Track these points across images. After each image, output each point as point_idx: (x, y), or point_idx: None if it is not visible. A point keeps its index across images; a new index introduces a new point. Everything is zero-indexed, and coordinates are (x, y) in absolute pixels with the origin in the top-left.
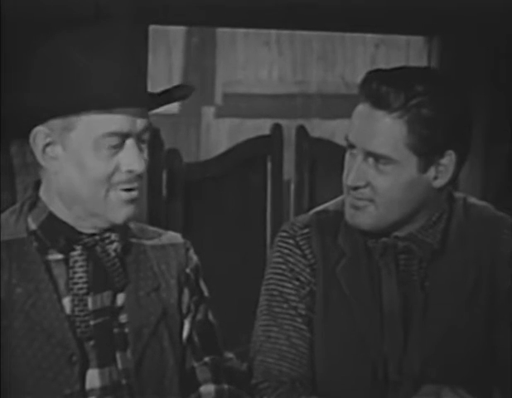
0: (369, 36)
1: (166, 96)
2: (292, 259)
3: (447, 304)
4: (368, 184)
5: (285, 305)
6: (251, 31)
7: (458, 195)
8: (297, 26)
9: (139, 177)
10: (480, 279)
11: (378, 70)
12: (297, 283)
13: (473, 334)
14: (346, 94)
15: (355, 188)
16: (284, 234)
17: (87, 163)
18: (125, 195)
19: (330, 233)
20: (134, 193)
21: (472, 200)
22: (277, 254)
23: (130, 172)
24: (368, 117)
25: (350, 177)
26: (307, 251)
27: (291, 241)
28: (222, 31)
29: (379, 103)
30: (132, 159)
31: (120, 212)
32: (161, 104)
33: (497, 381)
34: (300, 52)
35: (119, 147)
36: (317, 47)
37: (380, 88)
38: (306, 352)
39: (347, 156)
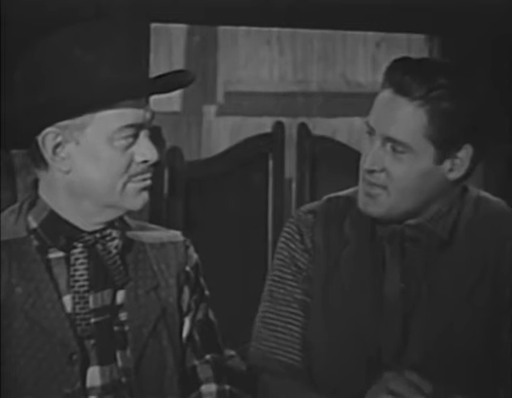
0: (370, 34)
1: (167, 81)
2: (292, 244)
3: (448, 297)
4: (383, 169)
5: (282, 291)
6: (252, 29)
7: (472, 189)
8: (298, 25)
9: (153, 166)
10: (484, 276)
11: (404, 59)
12: (294, 268)
13: (474, 330)
14: (347, 92)
15: (371, 172)
16: (290, 219)
17: (104, 157)
18: (140, 184)
19: (337, 220)
20: (148, 181)
21: (485, 195)
22: (282, 239)
23: (145, 162)
24: (390, 103)
25: (367, 161)
26: (306, 236)
27: (293, 227)
28: (223, 30)
29: (402, 90)
30: (145, 149)
31: (137, 200)
32: (162, 90)
33: (498, 377)
34: (301, 51)
35: (134, 138)
36: (318, 46)
37: (404, 76)
38: (302, 339)
39: (365, 140)
